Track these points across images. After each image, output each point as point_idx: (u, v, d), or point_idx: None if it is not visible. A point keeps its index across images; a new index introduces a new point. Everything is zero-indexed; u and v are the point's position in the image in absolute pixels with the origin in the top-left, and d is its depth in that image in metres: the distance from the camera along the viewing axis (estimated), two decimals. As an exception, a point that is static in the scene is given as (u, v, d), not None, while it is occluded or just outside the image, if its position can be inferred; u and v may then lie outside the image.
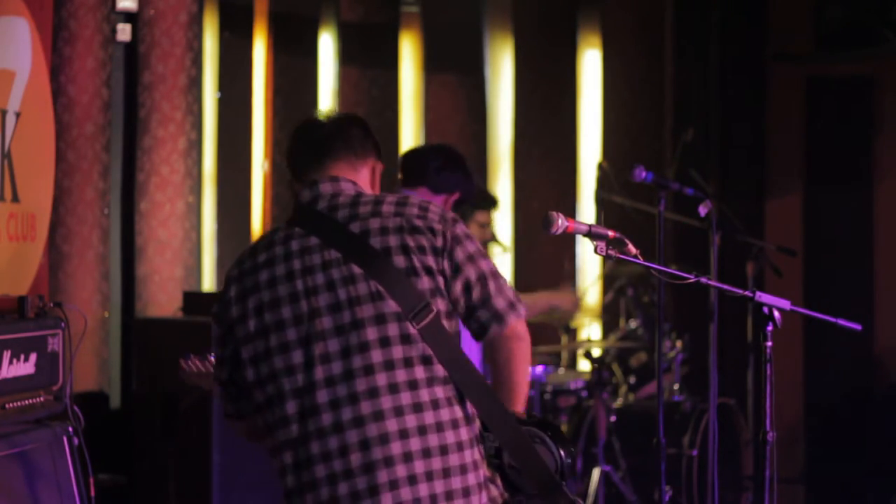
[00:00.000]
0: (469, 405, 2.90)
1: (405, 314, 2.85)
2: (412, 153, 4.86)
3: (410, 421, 2.83)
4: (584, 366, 7.35)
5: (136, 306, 5.87)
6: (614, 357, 6.94)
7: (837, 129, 7.90)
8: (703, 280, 3.39)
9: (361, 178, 3.07)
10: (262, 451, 4.25)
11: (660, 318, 4.73)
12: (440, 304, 2.90)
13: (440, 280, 2.91)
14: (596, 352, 6.53)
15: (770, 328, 3.39)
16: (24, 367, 4.03)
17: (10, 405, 3.96)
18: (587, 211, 7.76)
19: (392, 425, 2.82)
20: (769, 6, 8.09)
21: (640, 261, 3.28)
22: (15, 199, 4.70)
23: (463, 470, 2.86)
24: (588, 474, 6.34)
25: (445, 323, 2.89)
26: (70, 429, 4.16)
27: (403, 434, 2.82)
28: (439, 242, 2.92)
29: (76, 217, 5.52)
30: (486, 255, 2.99)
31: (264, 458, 4.20)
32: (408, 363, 2.85)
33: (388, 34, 7.43)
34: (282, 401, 2.87)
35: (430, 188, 4.58)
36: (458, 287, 2.93)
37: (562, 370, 7.07)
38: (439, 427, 2.85)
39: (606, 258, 3.26)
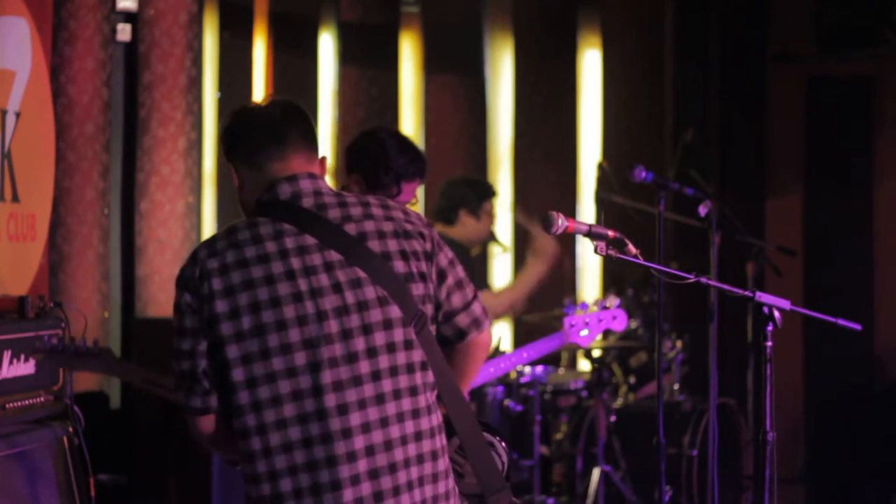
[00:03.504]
0: (441, 411, 2.95)
1: (407, 320, 2.86)
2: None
3: (409, 427, 2.84)
4: (584, 366, 7.35)
5: (136, 306, 5.86)
6: (614, 357, 6.93)
7: (837, 129, 7.91)
8: (703, 280, 3.39)
9: (316, 169, 3.00)
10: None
11: (660, 318, 4.73)
12: (429, 310, 2.92)
13: (430, 286, 2.93)
14: (596, 352, 6.53)
15: (770, 328, 3.39)
16: (25, 367, 4.03)
17: (10, 405, 3.96)
18: (587, 211, 7.76)
19: (395, 431, 2.82)
20: (769, 6, 8.10)
21: (640, 261, 3.28)
22: (15, 199, 4.69)
23: (447, 474, 2.90)
24: (588, 474, 6.34)
25: (432, 329, 2.93)
26: (70, 429, 4.16)
27: (404, 440, 2.83)
28: (428, 247, 2.93)
29: (76, 217, 5.51)
30: (458, 262, 3.03)
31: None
32: (409, 369, 2.86)
33: (388, 34, 7.43)
34: (278, 403, 2.79)
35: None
36: (442, 293, 2.96)
37: (562, 370, 7.07)
38: (432, 433, 2.88)
39: (606, 258, 3.27)
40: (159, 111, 5.91)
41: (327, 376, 2.80)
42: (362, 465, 2.79)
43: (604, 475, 6.21)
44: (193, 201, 6.07)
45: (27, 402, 4.05)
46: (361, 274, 2.84)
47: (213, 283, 2.82)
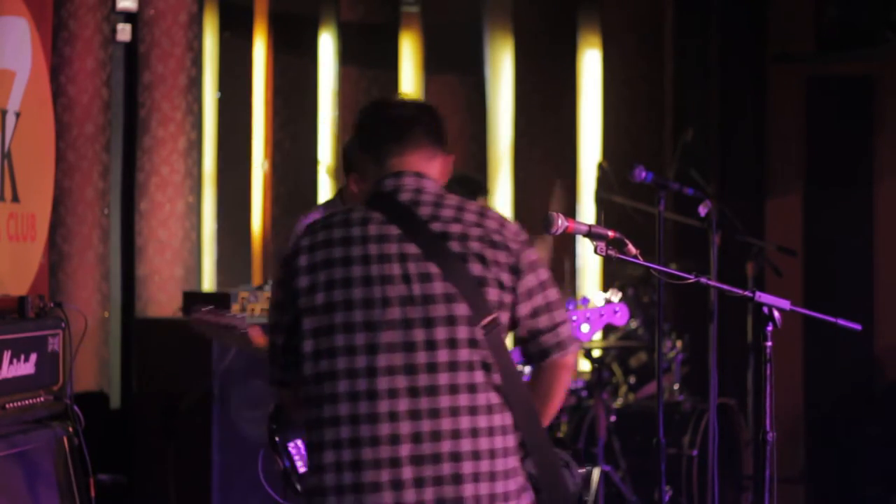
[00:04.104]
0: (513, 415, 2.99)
1: (475, 319, 2.92)
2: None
3: (464, 422, 2.90)
4: (584, 366, 7.35)
5: (136, 306, 5.87)
6: (614, 357, 6.94)
7: (837, 129, 7.90)
8: (703, 280, 3.39)
9: (435, 168, 3.12)
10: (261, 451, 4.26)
11: (660, 318, 4.73)
12: (503, 318, 2.97)
13: (508, 297, 2.97)
14: (596, 352, 6.53)
15: (770, 328, 3.39)
16: (25, 367, 4.03)
17: (10, 405, 3.96)
18: (587, 211, 7.76)
19: (446, 424, 2.88)
20: (769, 6, 8.09)
21: (640, 261, 3.29)
22: (15, 199, 4.70)
23: (506, 475, 2.93)
24: (588, 474, 6.34)
25: (504, 336, 2.98)
26: (70, 429, 4.16)
27: (455, 434, 2.89)
28: (514, 261, 2.98)
29: (76, 217, 5.52)
30: (554, 285, 3.06)
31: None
32: (470, 367, 2.92)
33: (388, 34, 7.43)
34: (334, 378, 2.92)
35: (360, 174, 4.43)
36: (525, 309, 3.00)
37: (562, 370, 7.05)
38: (491, 431, 2.92)
39: (606, 258, 3.27)
40: (159, 111, 5.91)
41: (382, 360, 2.91)
42: (405, 450, 2.88)
43: (604, 475, 6.20)
44: (193, 201, 6.07)
45: (27, 402, 4.05)
46: (434, 269, 2.93)
47: (301, 260, 3.00)
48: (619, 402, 6.71)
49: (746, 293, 3.37)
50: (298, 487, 4.08)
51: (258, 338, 4.07)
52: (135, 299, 5.87)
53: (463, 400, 2.89)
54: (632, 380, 7.06)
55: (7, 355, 3.95)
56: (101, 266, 5.68)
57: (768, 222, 7.98)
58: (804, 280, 7.78)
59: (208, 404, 5.38)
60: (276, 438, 4.10)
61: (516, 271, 2.98)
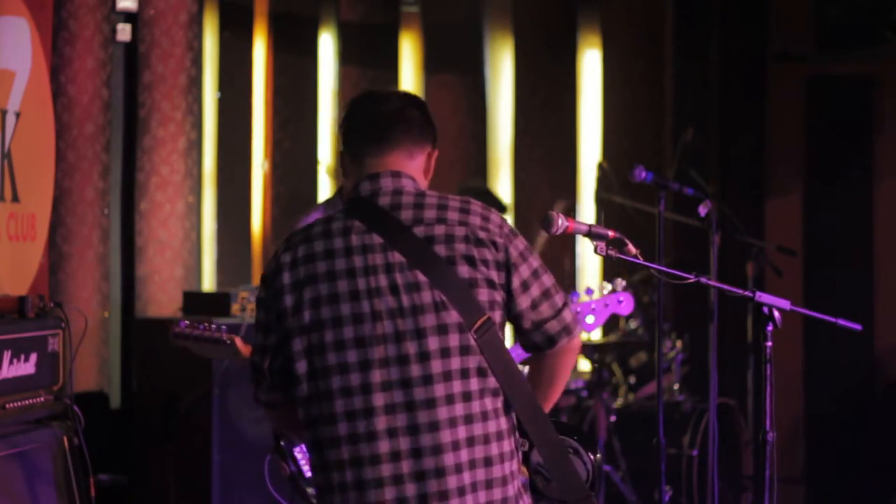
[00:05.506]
0: (512, 415, 2.95)
1: (466, 325, 2.87)
2: None
3: (462, 433, 2.85)
4: (584, 366, 7.35)
5: (136, 306, 5.87)
6: (614, 357, 6.94)
7: (837, 129, 7.90)
8: (703, 280, 3.39)
9: (416, 164, 3.03)
10: (262, 452, 4.26)
11: (660, 318, 4.73)
12: (497, 317, 2.92)
13: (500, 294, 2.92)
14: (596, 352, 6.53)
15: (770, 328, 3.39)
16: (25, 367, 4.03)
17: (10, 405, 3.96)
18: (587, 211, 7.76)
19: (445, 436, 2.83)
20: (769, 6, 8.10)
21: (640, 261, 3.28)
22: (15, 199, 4.70)
23: (504, 481, 2.89)
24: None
25: (500, 334, 2.93)
26: (70, 429, 4.16)
27: (455, 446, 2.84)
28: (502, 257, 2.93)
29: (76, 217, 5.52)
30: (546, 269, 3.01)
31: (263, 459, 4.21)
32: (464, 374, 2.87)
33: (388, 34, 7.43)
34: (330, 397, 2.86)
35: None
36: (525, 302, 2.95)
37: (562, 370, 7.05)
38: (486, 439, 2.87)
39: (606, 258, 3.27)
40: (159, 111, 5.91)
41: (377, 376, 2.85)
42: (406, 467, 2.83)
43: (604, 475, 6.21)
44: (193, 201, 6.07)
45: (27, 402, 4.05)
46: (422, 278, 2.87)
47: (284, 278, 2.92)
48: (619, 402, 6.71)
49: (746, 293, 3.37)
50: (309, 496, 4.07)
51: (245, 348, 4.03)
52: (135, 299, 5.87)
53: (459, 410, 2.84)
54: (632, 380, 7.06)
55: (7, 355, 3.95)
56: (101, 266, 5.68)
57: (768, 222, 7.98)
58: (804, 280, 7.78)
59: (208, 404, 5.38)
60: (282, 443, 4.09)
61: (506, 266, 2.93)
